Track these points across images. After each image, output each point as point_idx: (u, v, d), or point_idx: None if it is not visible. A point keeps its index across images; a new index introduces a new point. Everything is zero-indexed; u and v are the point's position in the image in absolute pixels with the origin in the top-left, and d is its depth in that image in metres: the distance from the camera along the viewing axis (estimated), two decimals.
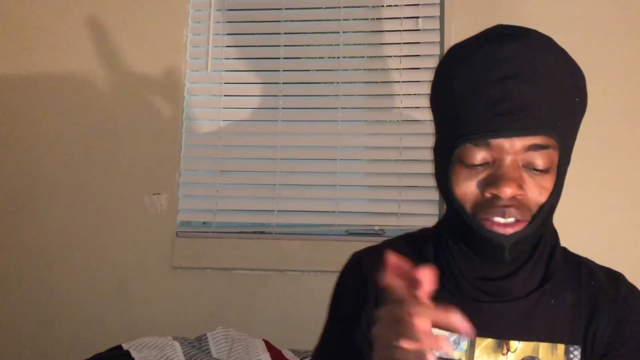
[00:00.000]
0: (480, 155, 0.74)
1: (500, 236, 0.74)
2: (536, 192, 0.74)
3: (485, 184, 0.74)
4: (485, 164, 0.74)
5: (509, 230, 0.73)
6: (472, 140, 0.73)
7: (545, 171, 0.74)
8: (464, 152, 0.74)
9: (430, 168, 1.68)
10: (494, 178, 0.73)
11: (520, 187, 0.73)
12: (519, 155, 0.73)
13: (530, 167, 0.73)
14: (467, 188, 0.75)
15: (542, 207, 0.75)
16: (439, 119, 0.82)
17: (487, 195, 0.74)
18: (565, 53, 0.78)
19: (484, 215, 0.74)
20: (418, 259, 0.84)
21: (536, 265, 0.81)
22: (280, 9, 1.81)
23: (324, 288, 1.67)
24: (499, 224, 0.73)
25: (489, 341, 0.81)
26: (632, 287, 0.84)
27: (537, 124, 0.72)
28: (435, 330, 0.79)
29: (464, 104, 0.74)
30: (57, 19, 1.86)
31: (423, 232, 0.94)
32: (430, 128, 1.69)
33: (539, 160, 0.73)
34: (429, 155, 1.69)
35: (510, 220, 0.73)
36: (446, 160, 0.78)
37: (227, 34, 1.83)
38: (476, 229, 0.75)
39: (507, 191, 0.71)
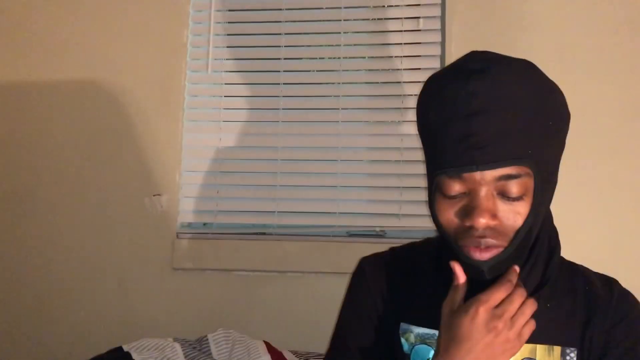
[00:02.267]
0: (456, 187, 0.78)
1: (477, 262, 0.78)
2: (511, 219, 0.77)
3: (463, 214, 0.79)
4: (462, 194, 0.79)
5: (486, 255, 0.78)
6: (446, 173, 0.78)
7: (519, 198, 0.77)
8: (442, 184, 0.79)
9: None
10: (469, 209, 0.77)
11: (494, 216, 0.77)
12: (491, 185, 0.76)
13: (504, 195, 0.77)
14: (448, 216, 0.80)
15: (518, 232, 0.78)
16: (422, 144, 0.87)
17: (465, 224, 0.78)
18: (535, 79, 0.80)
19: (463, 243, 0.79)
20: (419, 270, 0.93)
21: (531, 271, 0.84)
22: (280, 9, 1.81)
23: (324, 289, 1.67)
24: (475, 249, 0.78)
25: None
26: (625, 292, 0.88)
27: (505, 156, 0.75)
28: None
29: (437, 137, 0.79)
30: (57, 19, 1.85)
31: (427, 242, 0.98)
32: None
33: (513, 188, 0.76)
34: None
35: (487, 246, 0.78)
36: (430, 187, 0.83)
37: (228, 35, 1.83)
38: (457, 254, 0.80)
39: (481, 221, 0.76)
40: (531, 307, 0.77)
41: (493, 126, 0.75)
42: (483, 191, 0.76)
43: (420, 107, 0.86)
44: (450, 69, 0.83)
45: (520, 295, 0.77)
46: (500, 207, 0.77)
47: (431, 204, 0.83)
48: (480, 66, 0.78)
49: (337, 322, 0.97)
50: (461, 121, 0.76)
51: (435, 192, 0.81)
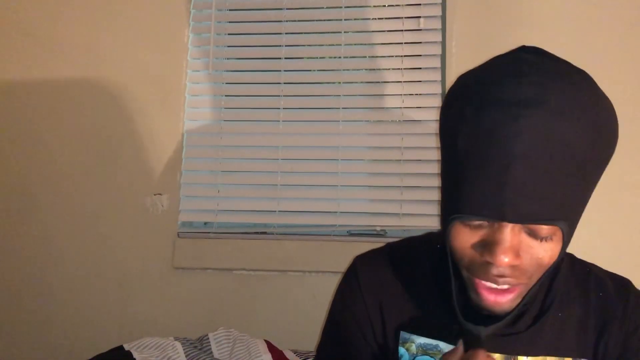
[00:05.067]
0: (478, 220, 0.70)
1: (490, 313, 0.73)
2: (535, 257, 0.69)
3: (482, 246, 0.70)
4: (485, 222, 0.70)
5: (502, 300, 0.71)
6: (468, 219, 0.69)
7: (548, 238, 0.69)
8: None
9: (432, 168, 1.67)
10: (491, 243, 0.68)
11: (518, 255, 0.68)
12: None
13: (531, 233, 0.68)
14: (464, 245, 0.71)
15: (541, 276, 0.71)
16: (441, 158, 0.77)
17: (484, 259, 0.69)
18: (597, 112, 0.68)
19: (477, 277, 0.72)
20: (419, 274, 0.86)
21: (532, 303, 0.79)
22: (281, 8, 1.81)
23: (325, 289, 1.67)
24: (490, 292, 0.71)
25: (497, 356, 0.79)
26: None
27: (540, 217, 0.66)
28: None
29: (465, 173, 0.68)
30: (57, 19, 1.86)
31: (427, 240, 0.91)
32: (432, 128, 1.69)
33: (543, 229, 0.67)
34: (431, 155, 1.68)
35: (504, 286, 0.71)
36: (445, 214, 0.74)
37: (229, 34, 1.83)
38: (468, 290, 0.74)
39: (504, 260, 0.67)
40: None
41: (534, 177, 0.64)
42: (509, 226, 0.67)
43: (447, 121, 0.73)
44: (495, 86, 0.68)
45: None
46: (526, 243, 0.68)
47: (444, 224, 0.74)
48: (535, 94, 0.65)
49: (324, 328, 0.92)
50: (498, 165, 0.64)
51: (452, 220, 0.71)
